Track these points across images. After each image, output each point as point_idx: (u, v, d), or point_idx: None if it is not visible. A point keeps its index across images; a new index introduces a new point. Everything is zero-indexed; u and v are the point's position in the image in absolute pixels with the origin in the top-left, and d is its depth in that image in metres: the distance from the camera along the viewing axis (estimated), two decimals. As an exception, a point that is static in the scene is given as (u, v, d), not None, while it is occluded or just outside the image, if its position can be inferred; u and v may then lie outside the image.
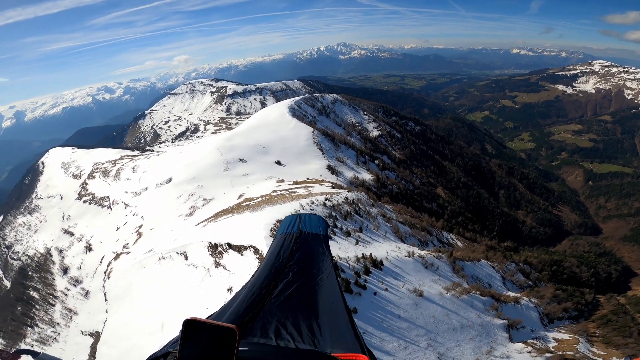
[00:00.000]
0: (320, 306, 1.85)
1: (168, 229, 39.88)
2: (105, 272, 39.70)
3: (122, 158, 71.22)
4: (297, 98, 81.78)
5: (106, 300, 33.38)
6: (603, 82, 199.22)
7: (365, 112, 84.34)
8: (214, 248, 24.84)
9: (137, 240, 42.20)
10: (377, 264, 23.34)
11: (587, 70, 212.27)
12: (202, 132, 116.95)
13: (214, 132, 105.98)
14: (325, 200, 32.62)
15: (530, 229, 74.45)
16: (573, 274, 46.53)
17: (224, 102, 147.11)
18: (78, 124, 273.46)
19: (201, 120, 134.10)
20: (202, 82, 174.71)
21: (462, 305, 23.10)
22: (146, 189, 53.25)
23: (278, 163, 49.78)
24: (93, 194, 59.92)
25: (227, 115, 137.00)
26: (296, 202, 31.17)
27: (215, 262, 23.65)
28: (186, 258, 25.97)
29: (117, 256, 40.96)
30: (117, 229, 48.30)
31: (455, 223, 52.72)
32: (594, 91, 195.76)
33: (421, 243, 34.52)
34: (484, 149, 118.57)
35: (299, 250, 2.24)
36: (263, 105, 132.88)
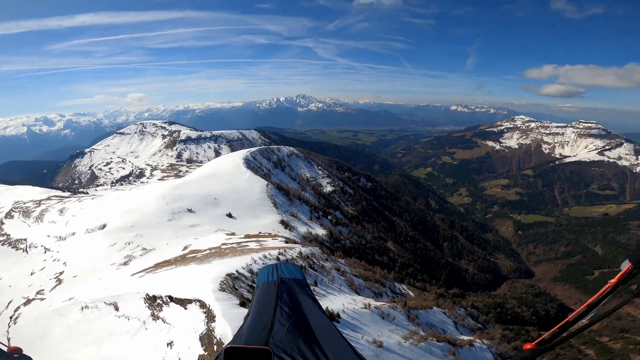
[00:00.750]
0: (318, 334, 2.02)
1: (96, 277, 35.25)
2: (11, 317, 33.28)
3: (49, 198, 63.74)
4: (253, 149, 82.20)
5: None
6: (524, 137, 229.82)
7: (320, 167, 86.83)
8: (152, 300, 22.28)
9: (55, 287, 36.51)
10: (334, 316, 22.65)
11: (511, 126, 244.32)
12: (147, 178, 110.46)
13: (161, 179, 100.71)
14: (279, 254, 31.84)
15: (472, 276, 79.13)
16: (516, 314, 49.00)
17: (175, 148, 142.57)
18: (6, 155, 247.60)
19: (148, 164, 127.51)
20: (154, 124, 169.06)
21: (421, 353, 22.97)
22: (74, 234, 47.40)
23: (229, 216, 48.15)
24: (8, 235, 52.05)
25: (178, 161, 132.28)
26: (248, 256, 29.96)
27: (153, 315, 21.06)
28: (117, 309, 22.88)
29: (29, 302, 34.78)
30: (32, 274, 41.59)
31: (406, 274, 54.09)
32: (517, 146, 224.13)
33: (376, 294, 34.64)
34: (428, 204, 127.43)
35: (284, 293, 2.36)
36: (217, 153, 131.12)
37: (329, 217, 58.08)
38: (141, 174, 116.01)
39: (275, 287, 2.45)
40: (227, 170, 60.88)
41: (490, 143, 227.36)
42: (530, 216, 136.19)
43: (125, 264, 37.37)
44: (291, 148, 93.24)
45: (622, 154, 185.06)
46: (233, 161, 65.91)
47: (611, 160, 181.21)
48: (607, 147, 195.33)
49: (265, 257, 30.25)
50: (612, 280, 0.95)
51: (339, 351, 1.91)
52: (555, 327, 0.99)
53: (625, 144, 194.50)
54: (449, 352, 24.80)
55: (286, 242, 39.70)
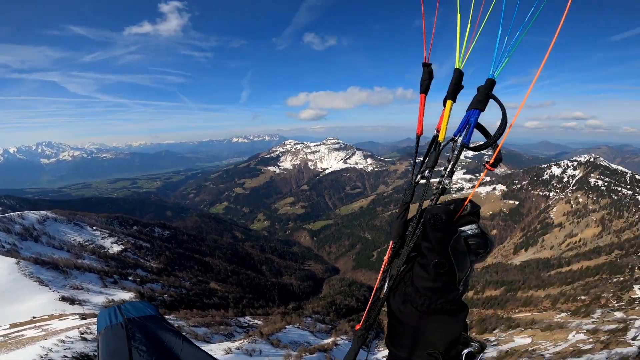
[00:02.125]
0: None
1: None
2: None
3: None
4: (-30, 225, 55.02)
5: None
6: (295, 158, 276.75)
7: (95, 228, 69.45)
8: None
9: None
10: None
11: (284, 150, 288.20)
12: None
13: None
14: (82, 334, 22.42)
15: (299, 287, 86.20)
16: (346, 306, 56.38)
17: None
18: None
19: None
20: None
21: (306, 371, 22.18)
22: None
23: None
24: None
25: None
26: (33, 346, 19.18)
27: None
28: None
29: None
30: None
31: (243, 306, 52.02)
32: (292, 167, 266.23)
33: (227, 336, 30.98)
34: (235, 237, 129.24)
35: (136, 333, 2.00)
36: None
37: (130, 278, 47.44)
38: None
39: (124, 328, 2.03)
40: None
41: (271, 168, 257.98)
42: (317, 223, 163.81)
43: None
44: (43, 212, 69.30)
45: (358, 160, 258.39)
46: None
47: (352, 166, 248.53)
48: (347, 157, 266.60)
49: (62, 341, 20.54)
50: (385, 258, 1.13)
51: None
52: (368, 306, 1.13)
53: (357, 152, 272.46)
54: (326, 359, 25.84)
55: (83, 319, 28.85)
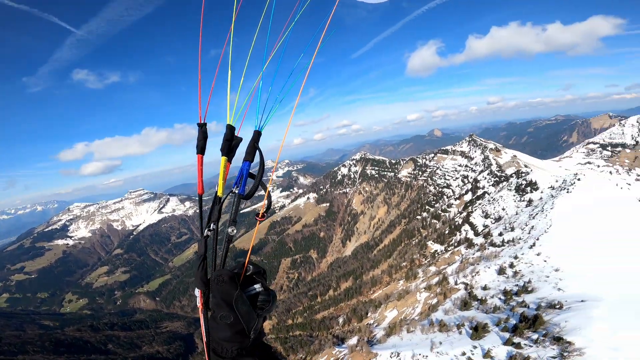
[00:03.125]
0: None
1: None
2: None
3: None
4: None
5: None
6: (92, 223, 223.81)
7: None
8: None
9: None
10: None
11: (72, 217, 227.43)
12: None
13: None
14: None
15: (169, 351, 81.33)
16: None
17: None
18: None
19: None
20: None
21: None
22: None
23: None
24: None
25: None
26: None
27: None
28: None
29: None
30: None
31: None
32: (90, 234, 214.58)
33: None
34: (45, 326, 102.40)
35: None
36: None
37: None
38: None
39: None
40: None
41: (60, 242, 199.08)
42: (153, 282, 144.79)
43: None
44: None
45: (175, 207, 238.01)
46: None
47: (171, 214, 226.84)
48: (161, 206, 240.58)
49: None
50: (200, 305, 1.31)
51: None
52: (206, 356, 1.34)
53: (171, 199, 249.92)
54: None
55: None
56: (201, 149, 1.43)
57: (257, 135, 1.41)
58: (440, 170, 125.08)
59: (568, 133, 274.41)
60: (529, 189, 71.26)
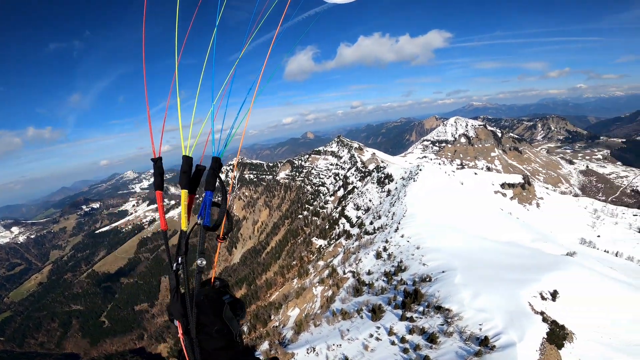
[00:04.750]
0: None
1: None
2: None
3: None
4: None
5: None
6: None
7: None
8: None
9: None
10: None
11: None
12: None
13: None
14: None
15: None
16: None
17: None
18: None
19: None
20: None
21: None
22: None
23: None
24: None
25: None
26: None
27: None
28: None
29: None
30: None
31: None
32: None
33: None
34: None
35: None
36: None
37: None
38: None
39: None
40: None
41: None
42: None
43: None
44: None
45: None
46: None
47: None
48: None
49: None
50: (180, 335, 1.38)
51: None
52: None
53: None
54: None
55: None
56: (158, 186, 1.42)
57: (216, 162, 1.40)
58: (315, 170, 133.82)
59: (409, 133, 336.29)
60: (387, 181, 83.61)
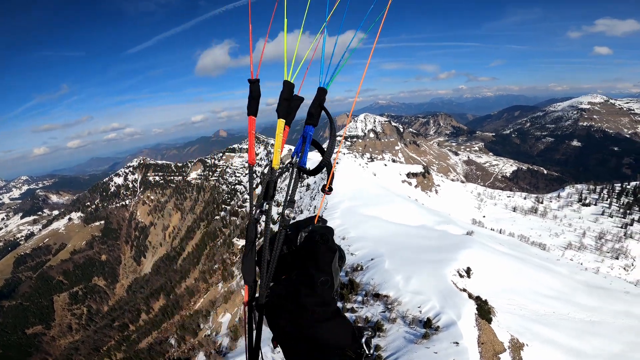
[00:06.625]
0: None
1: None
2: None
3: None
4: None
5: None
6: None
7: None
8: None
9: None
10: None
11: None
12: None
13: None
14: None
15: None
16: None
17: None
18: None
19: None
20: None
21: None
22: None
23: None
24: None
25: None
26: None
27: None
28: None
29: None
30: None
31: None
32: None
33: None
34: None
35: None
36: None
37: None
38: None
39: None
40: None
41: None
42: None
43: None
44: None
45: None
46: None
47: None
48: None
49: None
50: (245, 300, 1.15)
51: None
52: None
53: None
54: None
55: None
56: (252, 111, 1.18)
57: (322, 93, 1.13)
58: (230, 168, 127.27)
59: (323, 129, 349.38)
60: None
